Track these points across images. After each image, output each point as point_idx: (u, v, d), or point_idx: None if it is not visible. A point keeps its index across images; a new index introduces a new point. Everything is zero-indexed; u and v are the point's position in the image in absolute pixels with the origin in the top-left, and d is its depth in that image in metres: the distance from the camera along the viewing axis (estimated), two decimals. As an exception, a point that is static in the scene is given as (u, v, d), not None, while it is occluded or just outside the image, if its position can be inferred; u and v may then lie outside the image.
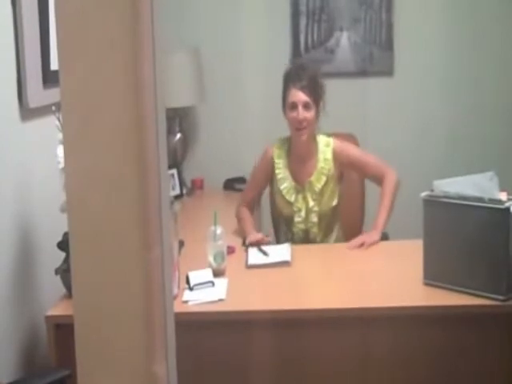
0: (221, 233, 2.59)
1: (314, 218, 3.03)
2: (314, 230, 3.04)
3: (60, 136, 2.32)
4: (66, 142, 1.00)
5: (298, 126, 2.97)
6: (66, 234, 2.37)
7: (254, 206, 3.19)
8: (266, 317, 2.32)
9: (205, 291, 2.41)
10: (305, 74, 2.97)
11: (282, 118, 4.09)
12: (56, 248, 2.35)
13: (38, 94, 2.53)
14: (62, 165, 2.28)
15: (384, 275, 2.57)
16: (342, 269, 2.69)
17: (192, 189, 4.06)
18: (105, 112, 0.97)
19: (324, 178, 3.02)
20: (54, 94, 2.57)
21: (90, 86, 0.97)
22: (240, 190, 3.97)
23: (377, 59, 4.15)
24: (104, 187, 0.97)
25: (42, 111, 2.52)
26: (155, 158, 0.98)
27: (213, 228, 2.59)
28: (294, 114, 2.95)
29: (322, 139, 3.06)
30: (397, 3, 4.08)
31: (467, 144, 4.14)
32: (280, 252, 2.78)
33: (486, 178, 2.32)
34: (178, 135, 4.02)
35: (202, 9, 4.13)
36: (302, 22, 4.13)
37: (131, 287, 0.99)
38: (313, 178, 3.02)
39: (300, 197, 3.03)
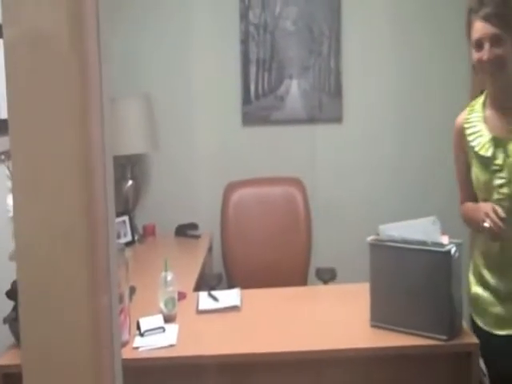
0: (171, 279, 2.61)
1: None
2: None
3: (10, 185, 2.33)
4: (14, 193, 1.03)
5: (489, 69, 2.29)
6: (14, 283, 2.36)
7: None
8: (216, 361, 2.33)
9: (155, 337, 2.42)
10: (491, 0, 2.26)
11: (235, 165, 4.17)
12: (3, 297, 2.33)
13: (-12, 143, 2.54)
14: (11, 213, 2.28)
15: (332, 318, 2.62)
16: (291, 312, 2.72)
17: (144, 235, 4.07)
18: (53, 163, 1.00)
19: None
20: (3, 143, 2.57)
21: (38, 138, 1.00)
22: (192, 236, 4.00)
23: (326, 106, 4.25)
24: (52, 236, 1.00)
25: (-8, 159, 2.52)
26: (103, 208, 1.02)
27: (163, 274, 2.61)
28: (479, 55, 2.28)
29: None
30: (344, 51, 4.20)
31: (414, 189, 4.25)
32: (230, 297, 2.81)
33: (429, 222, 2.40)
34: (130, 182, 4.04)
35: (153, 55, 4.19)
36: (252, 70, 4.22)
37: (79, 335, 1.01)
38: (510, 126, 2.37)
39: (500, 151, 2.35)
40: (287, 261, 3.64)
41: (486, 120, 2.41)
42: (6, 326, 2.34)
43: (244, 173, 3.95)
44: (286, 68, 4.24)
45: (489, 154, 2.35)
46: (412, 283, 2.34)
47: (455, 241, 2.35)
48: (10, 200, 2.28)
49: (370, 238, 2.48)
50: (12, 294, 2.33)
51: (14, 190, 1.01)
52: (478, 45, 2.27)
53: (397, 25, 4.19)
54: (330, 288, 3.28)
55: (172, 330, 2.48)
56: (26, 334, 1.02)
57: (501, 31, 2.22)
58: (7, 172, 2.31)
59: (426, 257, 2.30)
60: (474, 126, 2.42)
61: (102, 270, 1.00)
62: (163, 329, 2.46)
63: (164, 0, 4.17)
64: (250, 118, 4.23)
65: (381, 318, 2.42)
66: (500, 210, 2.24)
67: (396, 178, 4.27)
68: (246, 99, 4.23)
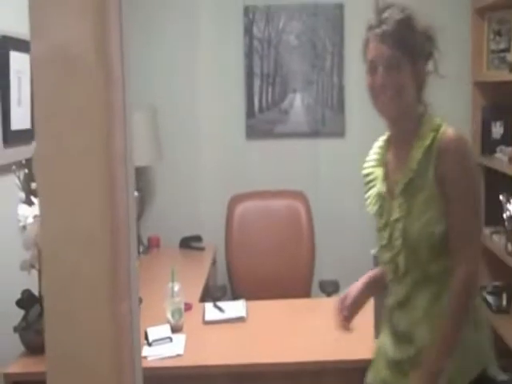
0: (178, 289, 2.64)
1: (398, 241, 1.87)
2: (401, 261, 1.87)
3: (21, 195, 2.36)
4: (41, 202, 1.06)
5: (382, 96, 1.89)
6: (24, 292, 2.38)
7: None
8: (222, 371, 2.36)
9: (163, 347, 2.45)
10: (391, 18, 1.87)
11: (238, 177, 4.19)
12: (10, 306, 2.34)
13: (-1, 154, 2.57)
14: (22, 223, 2.31)
15: (336, 330, 2.63)
16: (296, 323, 2.75)
17: (148, 247, 4.10)
18: (78, 173, 1.04)
19: (410, 174, 1.86)
20: (14, 154, 2.61)
21: (63, 149, 1.04)
22: (196, 249, 4.02)
23: (329, 120, 4.29)
24: (77, 244, 1.03)
25: (2, 170, 2.56)
26: (125, 217, 1.06)
27: (170, 285, 2.64)
28: (372, 79, 1.89)
29: (431, 121, 1.95)
30: (347, 67, 4.25)
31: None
32: (235, 308, 2.84)
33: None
34: (135, 194, 4.06)
35: (158, 68, 4.23)
36: (256, 83, 4.27)
37: (101, 340, 1.05)
38: (401, 176, 1.90)
39: (386, 206, 1.93)
40: (290, 273, 3.66)
41: (386, 163, 2.01)
42: (17, 335, 2.36)
43: (248, 186, 3.98)
44: (289, 82, 4.28)
45: (374, 210, 1.98)
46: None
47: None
48: (20, 210, 2.31)
49: (373, 251, 2.50)
50: (22, 303, 2.36)
51: (39, 199, 1.05)
52: (373, 68, 1.88)
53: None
54: (334, 300, 3.30)
55: (179, 340, 2.51)
56: (50, 339, 1.05)
57: (398, 53, 1.85)
58: (17, 182, 2.34)
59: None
60: (370, 175, 2.05)
61: (124, 276, 1.04)
62: (170, 339, 2.49)
63: (169, 13, 4.21)
64: (254, 131, 4.27)
65: (385, 329, 2.45)
66: (345, 304, 2.15)
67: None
68: (250, 113, 4.27)
